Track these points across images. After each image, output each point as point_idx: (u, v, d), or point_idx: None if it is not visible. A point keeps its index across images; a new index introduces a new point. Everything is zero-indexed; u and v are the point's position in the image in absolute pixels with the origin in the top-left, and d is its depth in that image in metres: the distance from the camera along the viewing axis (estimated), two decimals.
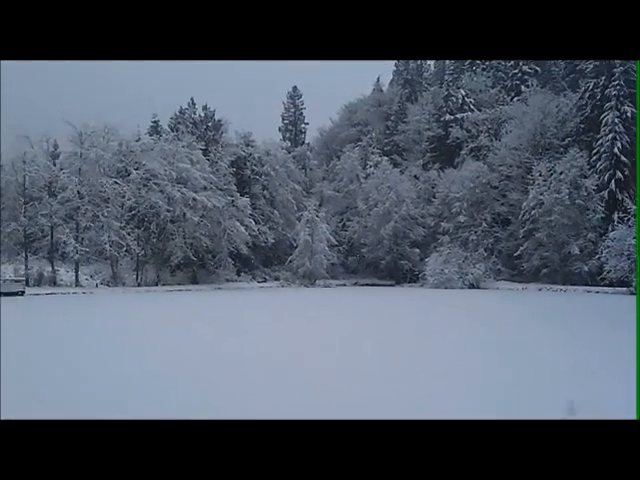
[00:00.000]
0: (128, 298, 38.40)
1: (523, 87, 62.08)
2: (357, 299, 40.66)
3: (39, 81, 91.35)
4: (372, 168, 63.70)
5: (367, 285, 58.09)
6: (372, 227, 58.84)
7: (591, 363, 12.90)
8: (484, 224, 55.02)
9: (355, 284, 59.24)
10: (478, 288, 50.47)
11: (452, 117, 63.90)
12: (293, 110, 77.29)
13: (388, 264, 58.80)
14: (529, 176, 51.60)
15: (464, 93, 65.13)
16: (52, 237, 45.43)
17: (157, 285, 48.67)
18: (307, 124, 78.56)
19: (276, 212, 59.30)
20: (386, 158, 63.98)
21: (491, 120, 61.31)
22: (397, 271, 59.02)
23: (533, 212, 49.52)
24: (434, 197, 59.45)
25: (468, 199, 55.19)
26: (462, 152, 61.38)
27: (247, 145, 60.55)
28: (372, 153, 66.56)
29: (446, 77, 70.09)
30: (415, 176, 62.50)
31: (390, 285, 57.94)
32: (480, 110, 63.42)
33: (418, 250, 57.94)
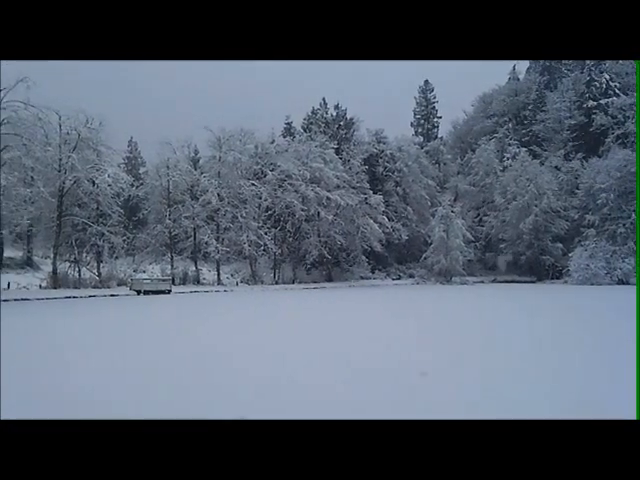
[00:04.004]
0: (270, 294, 39.25)
1: None
2: (508, 298, 38.35)
3: (179, 87, 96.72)
4: (509, 160, 61.72)
5: (507, 282, 56.06)
6: (511, 221, 57.04)
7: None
8: (633, 216, 51.47)
9: (494, 281, 57.45)
10: (627, 284, 47.35)
11: (595, 103, 60.65)
12: (425, 104, 76.05)
13: (528, 260, 56.74)
14: None
15: (608, 77, 61.56)
16: (195, 238, 47.54)
17: (293, 283, 49.68)
18: (440, 118, 76.58)
19: (409, 208, 58.71)
20: (524, 149, 61.64)
21: None
22: (538, 267, 56.70)
23: None
24: (577, 188, 56.45)
25: (615, 189, 51.85)
26: (607, 140, 58.11)
27: (379, 142, 60.37)
28: (509, 145, 64.58)
29: (587, 61, 66.29)
30: (556, 167, 59.82)
31: (531, 282, 55.67)
32: (627, 94, 59.55)
33: (561, 245, 55.42)
